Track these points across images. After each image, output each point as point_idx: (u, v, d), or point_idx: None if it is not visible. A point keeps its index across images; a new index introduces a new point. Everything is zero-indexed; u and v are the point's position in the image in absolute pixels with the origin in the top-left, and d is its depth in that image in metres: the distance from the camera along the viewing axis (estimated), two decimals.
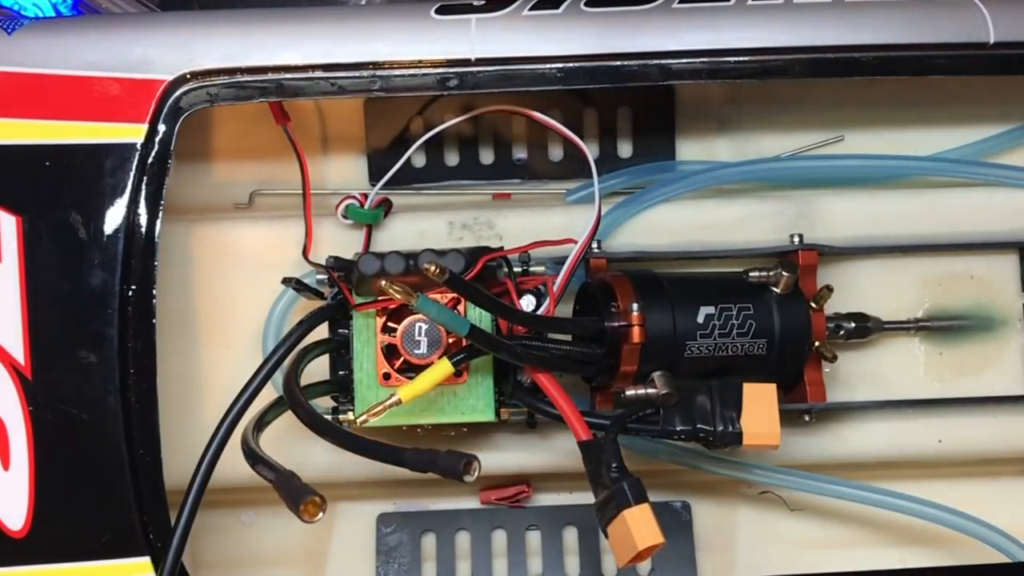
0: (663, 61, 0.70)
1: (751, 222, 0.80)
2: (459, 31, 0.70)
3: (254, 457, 0.62)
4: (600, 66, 0.70)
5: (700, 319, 0.71)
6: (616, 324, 0.69)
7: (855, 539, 0.84)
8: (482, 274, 0.69)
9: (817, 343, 0.74)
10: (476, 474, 0.51)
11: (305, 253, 0.77)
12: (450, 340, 0.69)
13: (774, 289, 0.73)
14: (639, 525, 0.62)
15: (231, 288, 0.79)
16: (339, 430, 0.64)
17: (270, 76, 0.69)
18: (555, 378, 0.67)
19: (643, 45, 0.70)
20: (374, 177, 0.84)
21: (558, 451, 0.79)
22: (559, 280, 0.72)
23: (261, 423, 0.67)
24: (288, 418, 0.69)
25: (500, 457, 0.79)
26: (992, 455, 0.81)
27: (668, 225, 0.80)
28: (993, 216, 0.80)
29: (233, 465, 0.63)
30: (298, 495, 0.56)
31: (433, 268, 0.59)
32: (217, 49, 0.69)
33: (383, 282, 0.60)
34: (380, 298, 0.70)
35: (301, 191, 0.78)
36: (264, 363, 0.66)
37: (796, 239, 0.77)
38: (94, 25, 0.73)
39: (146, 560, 0.66)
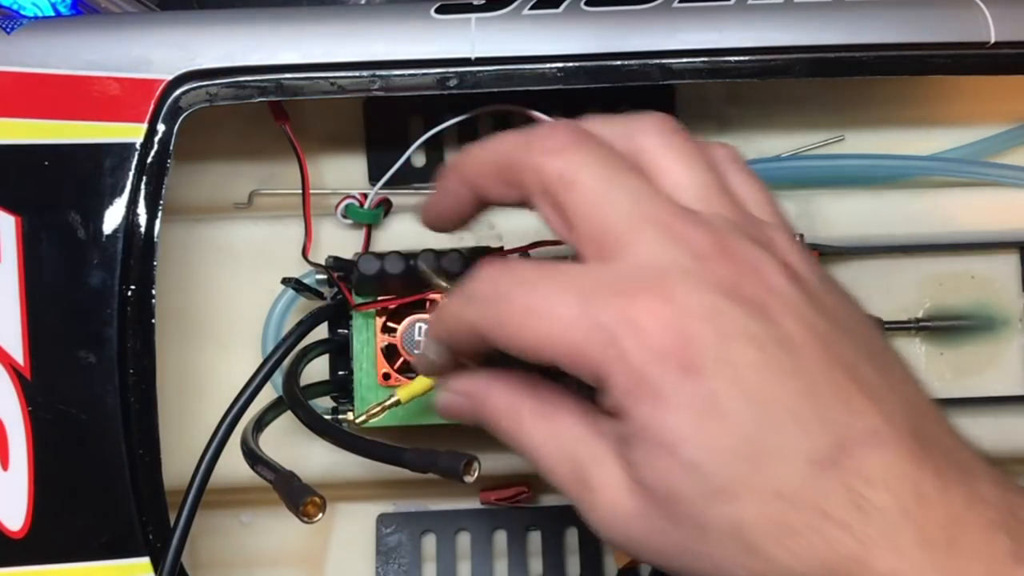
0: (663, 61, 0.70)
1: None
2: (459, 31, 0.70)
3: (254, 457, 0.62)
4: (600, 66, 0.70)
5: None
6: None
7: None
8: None
9: None
10: (476, 474, 0.51)
11: (305, 253, 0.77)
12: None
13: None
14: None
15: (231, 288, 0.79)
16: (339, 430, 0.64)
17: (270, 76, 0.69)
18: None
19: (643, 45, 0.70)
20: (374, 177, 0.84)
21: None
22: None
23: (261, 423, 0.67)
24: (288, 418, 0.69)
25: (500, 457, 0.79)
26: (992, 455, 0.79)
27: None
28: (993, 216, 0.80)
29: (233, 465, 0.63)
30: (298, 495, 0.56)
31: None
32: (217, 49, 0.69)
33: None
34: (380, 298, 0.70)
35: (301, 191, 0.78)
36: (264, 363, 0.66)
37: (796, 239, 0.77)
38: (93, 25, 0.72)
39: (146, 560, 0.66)
